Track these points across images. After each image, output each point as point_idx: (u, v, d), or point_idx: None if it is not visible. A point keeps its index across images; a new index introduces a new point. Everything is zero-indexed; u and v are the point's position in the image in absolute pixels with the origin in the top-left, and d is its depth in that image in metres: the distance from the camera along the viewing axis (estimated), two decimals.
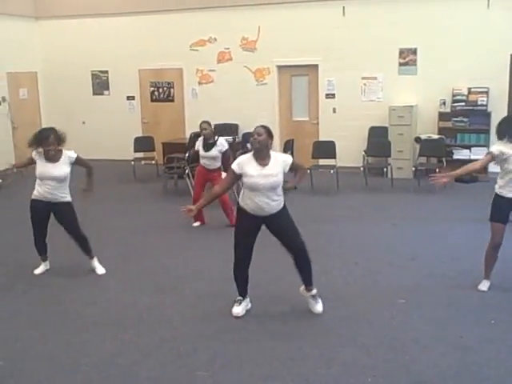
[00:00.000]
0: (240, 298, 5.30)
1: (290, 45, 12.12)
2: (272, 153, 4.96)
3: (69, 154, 6.05)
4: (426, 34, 11.30)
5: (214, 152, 7.92)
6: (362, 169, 10.77)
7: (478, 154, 11.12)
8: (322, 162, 10.84)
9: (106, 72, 13.81)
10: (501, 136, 5.44)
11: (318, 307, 5.18)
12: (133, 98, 13.72)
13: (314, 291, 5.20)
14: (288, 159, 5.03)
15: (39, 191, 6.06)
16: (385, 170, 10.65)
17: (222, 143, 8.00)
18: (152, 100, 13.67)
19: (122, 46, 13.34)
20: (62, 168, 5.98)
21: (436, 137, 11.01)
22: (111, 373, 4.29)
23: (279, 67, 12.56)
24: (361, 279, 6.06)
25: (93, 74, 13.92)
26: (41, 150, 5.93)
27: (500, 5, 10.78)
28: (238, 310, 5.24)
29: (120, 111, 13.69)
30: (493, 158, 5.44)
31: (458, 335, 4.73)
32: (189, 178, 10.09)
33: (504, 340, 4.63)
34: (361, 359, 4.38)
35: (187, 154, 10.09)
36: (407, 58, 11.64)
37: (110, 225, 8.37)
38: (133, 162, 11.55)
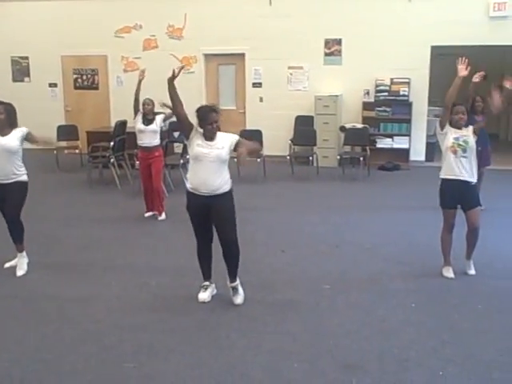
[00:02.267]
0: (206, 283, 5.27)
1: (217, 33, 12.08)
2: (220, 133, 5.00)
3: (20, 129, 5.87)
4: (350, 25, 11.50)
5: (153, 127, 7.85)
6: (288, 157, 10.88)
7: (400, 143, 11.53)
8: None
9: (27, 58, 13.37)
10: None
11: (238, 299, 5.19)
12: (55, 85, 13.34)
13: (236, 283, 5.22)
14: (234, 137, 5.05)
15: None
16: (310, 158, 10.80)
17: (161, 117, 8.02)
18: (75, 87, 13.35)
19: (44, 31, 12.93)
20: (12, 140, 5.77)
21: (360, 126, 11.25)
22: (34, 368, 4.17)
23: (206, 56, 12.50)
24: (287, 267, 6.14)
25: (12, 60, 13.45)
26: None
27: None
28: (204, 296, 5.22)
29: (42, 99, 13.27)
30: (446, 119, 5.59)
31: (380, 319, 4.87)
32: (114, 167, 9.91)
33: (424, 322, 4.80)
34: (287, 346, 4.44)
35: (112, 143, 9.91)
36: (332, 49, 11.82)
37: (32, 216, 8.06)
38: (55, 152, 11.20)
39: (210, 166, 4.88)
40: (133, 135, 8.36)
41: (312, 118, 11.50)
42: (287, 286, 5.62)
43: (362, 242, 6.90)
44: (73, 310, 5.11)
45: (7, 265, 6.11)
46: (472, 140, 5.51)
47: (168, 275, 5.89)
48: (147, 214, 8.05)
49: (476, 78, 6.96)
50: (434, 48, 11.25)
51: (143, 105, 7.97)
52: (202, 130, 4.99)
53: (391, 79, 11.38)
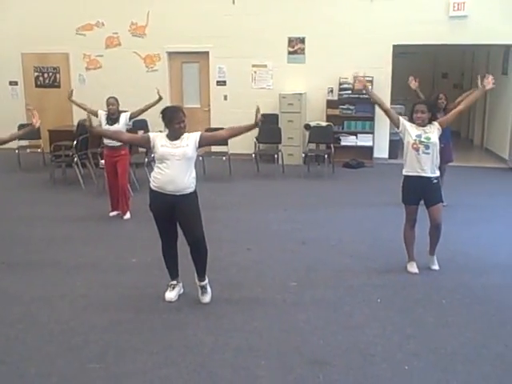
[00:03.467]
0: (173, 282, 5.24)
1: (180, 31, 12.01)
2: (185, 133, 5.00)
3: None
4: (313, 23, 11.56)
5: (118, 126, 7.74)
6: (253, 155, 10.89)
7: (364, 141, 11.65)
8: (214, 148, 10.84)
9: None
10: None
11: (206, 298, 5.18)
12: (16, 83, 13.09)
13: (204, 282, 5.21)
14: (197, 133, 5.05)
15: None
16: (276, 156, 10.83)
17: (126, 115, 7.89)
18: (37, 85, 13.13)
19: (4, 28, 12.68)
20: None
21: (324, 124, 11.32)
22: None
23: (170, 54, 12.43)
24: (254, 264, 6.15)
25: None
26: None
27: None
28: (171, 295, 5.19)
29: (2, 97, 13.02)
30: (398, 120, 5.70)
31: (347, 315, 4.92)
32: (78, 166, 9.79)
33: (389, 317, 4.87)
34: (254, 343, 4.45)
35: (75, 142, 9.78)
36: (296, 47, 11.87)
37: None
38: (17, 151, 11.01)
39: (176, 164, 4.86)
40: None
41: (277, 116, 11.53)
42: (254, 283, 5.63)
43: (328, 238, 6.95)
44: (37, 311, 5.03)
45: None
46: (435, 136, 5.59)
47: (134, 274, 5.84)
48: (112, 214, 7.97)
49: (412, 85, 7.36)
50: (395, 47, 11.38)
51: (107, 105, 7.84)
52: (162, 134, 4.99)
53: (354, 77, 11.47)
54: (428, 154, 5.56)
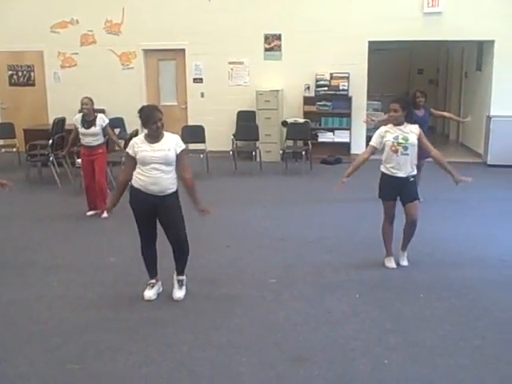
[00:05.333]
0: (152, 281, 5.22)
1: (156, 28, 11.95)
2: (165, 133, 4.96)
3: None
4: (289, 20, 11.57)
5: (95, 129, 7.70)
6: (231, 153, 10.88)
7: (341, 137, 11.70)
8: (191, 146, 10.80)
9: None
10: None
11: (179, 293, 5.17)
12: None
13: (182, 277, 5.21)
14: (180, 143, 4.99)
15: None
16: (253, 153, 10.83)
17: (102, 118, 7.84)
18: (11, 84, 12.96)
19: None
20: None
21: (302, 120, 11.34)
22: None
23: (145, 51, 12.36)
24: (233, 261, 6.15)
25: None
26: None
27: None
28: (150, 293, 5.17)
29: None
30: (375, 147, 5.71)
31: (326, 311, 4.94)
32: (54, 165, 9.69)
33: (368, 312, 4.90)
34: (234, 340, 4.46)
35: (51, 141, 9.68)
36: (272, 44, 11.87)
37: None
38: None
39: (158, 167, 4.84)
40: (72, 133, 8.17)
41: (254, 113, 11.53)
42: (233, 280, 5.63)
43: (306, 235, 6.97)
44: (15, 312, 4.98)
45: None
46: (413, 137, 5.60)
47: (112, 273, 5.81)
48: (89, 213, 7.91)
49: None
50: (371, 43, 11.44)
51: (81, 105, 7.77)
52: (140, 137, 4.97)
53: (331, 74, 11.51)
54: (407, 155, 5.58)
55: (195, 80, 12.24)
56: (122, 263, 6.06)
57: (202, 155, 10.25)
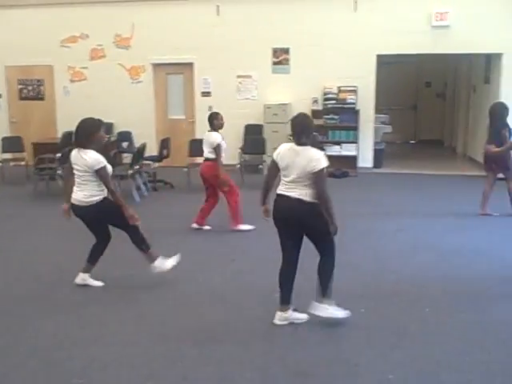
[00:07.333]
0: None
1: (164, 43, 12.05)
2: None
3: None
4: (297, 34, 11.63)
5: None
6: (238, 166, 10.89)
7: (349, 150, 11.68)
8: (198, 160, 10.81)
9: None
10: None
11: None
12: None
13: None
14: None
15: None
16: (260, 166, 10.83)
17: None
18: (21, 98, 13.11)
19: None
20: None
21: None
22: None
23: (154, 65, 12.45)
24: (238, 275, 6.13)
25: None
26: None
27: (366, 8, 11.32)
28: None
29: None
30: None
31: (331, 325, 4.90)
32: (62, 179, 9.72)
33: (373, 327, 4.86)
34: (238, 354, 4.43)
35: (59, 154, 9.74)
36: (280, 57, 11.93)
37: None
38: (0, 164, 10.97)
39: None
40: None
41: (261, 126, 11.57)
42: (237, 294, 5.61)
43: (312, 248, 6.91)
44: (20, 328, 4.97)
45: None
46: None
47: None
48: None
49: None
50: (379, 56, 11.46)
51: None
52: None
53: (338, 87, 11.54)
54: None
55: (203, 94, 12.31)
56: (128, 276, 6.06)
57: None
